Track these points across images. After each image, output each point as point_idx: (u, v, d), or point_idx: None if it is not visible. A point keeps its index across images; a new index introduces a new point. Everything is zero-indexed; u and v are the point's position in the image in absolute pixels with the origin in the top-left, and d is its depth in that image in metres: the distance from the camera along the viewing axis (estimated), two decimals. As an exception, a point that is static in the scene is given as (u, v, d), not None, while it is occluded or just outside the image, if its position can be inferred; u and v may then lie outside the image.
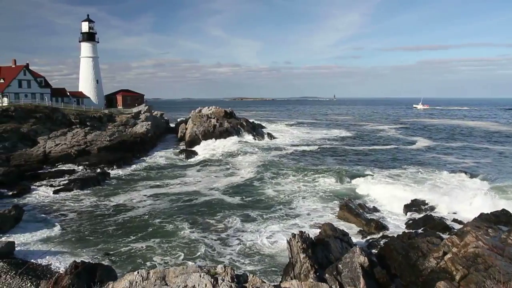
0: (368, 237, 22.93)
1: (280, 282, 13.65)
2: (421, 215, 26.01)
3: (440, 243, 16.91)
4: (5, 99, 59.98)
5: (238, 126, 69.00)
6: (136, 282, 9.68)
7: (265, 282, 9.80)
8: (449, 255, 15.23)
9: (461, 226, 20.47)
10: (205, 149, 57.49)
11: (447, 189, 31.82)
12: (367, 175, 38.20)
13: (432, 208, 27.81)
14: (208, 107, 75.41)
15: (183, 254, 21.10)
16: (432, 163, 45.45)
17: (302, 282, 10.07)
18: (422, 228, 23.07)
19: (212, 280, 9.08)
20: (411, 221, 25.41)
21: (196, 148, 58.40)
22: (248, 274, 10.44)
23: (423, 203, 28.66)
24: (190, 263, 19.26)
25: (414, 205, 28.36)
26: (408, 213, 27.39)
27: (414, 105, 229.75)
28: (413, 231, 21.76)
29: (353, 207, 27.42)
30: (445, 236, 19.47)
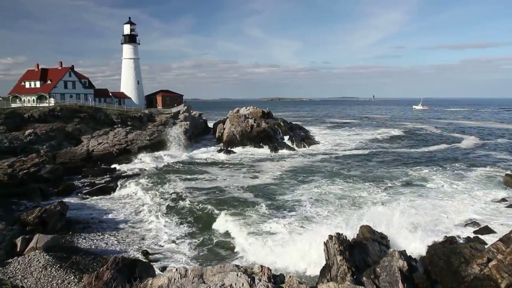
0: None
1: (317, 283, 13.54)
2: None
3: (484, 249, 16.27)
4: (52, 99, 62.82)
5: (276, 126, 68.82)
6: (175, 279, 9.87)
7: (302, 284, 9.75)
8: (493, 262, 14.62)
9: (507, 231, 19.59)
10: (242, 151, 58.38)
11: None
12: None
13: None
14: (246, 107, 75.66)
15: (221, 253, 21.33)
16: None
17: (339, 285, 9.95)
18: (464, 234, 22.25)
19: (249, 279, 9.11)
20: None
21: (233, 149, 58.99)
22: (285, 274, 10.43)
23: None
24: (227, 262, 19.38)
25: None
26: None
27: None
28: (455, 236, 21.03)
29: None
30: (489, 240, 18.73)
